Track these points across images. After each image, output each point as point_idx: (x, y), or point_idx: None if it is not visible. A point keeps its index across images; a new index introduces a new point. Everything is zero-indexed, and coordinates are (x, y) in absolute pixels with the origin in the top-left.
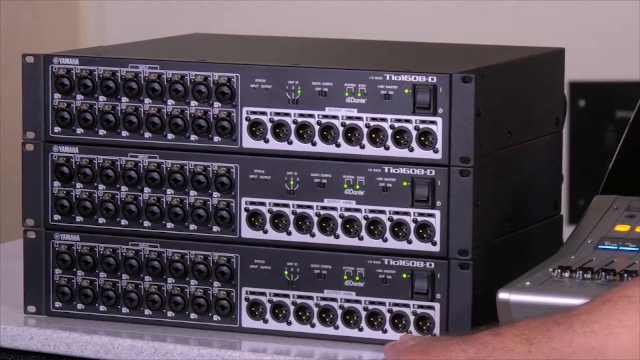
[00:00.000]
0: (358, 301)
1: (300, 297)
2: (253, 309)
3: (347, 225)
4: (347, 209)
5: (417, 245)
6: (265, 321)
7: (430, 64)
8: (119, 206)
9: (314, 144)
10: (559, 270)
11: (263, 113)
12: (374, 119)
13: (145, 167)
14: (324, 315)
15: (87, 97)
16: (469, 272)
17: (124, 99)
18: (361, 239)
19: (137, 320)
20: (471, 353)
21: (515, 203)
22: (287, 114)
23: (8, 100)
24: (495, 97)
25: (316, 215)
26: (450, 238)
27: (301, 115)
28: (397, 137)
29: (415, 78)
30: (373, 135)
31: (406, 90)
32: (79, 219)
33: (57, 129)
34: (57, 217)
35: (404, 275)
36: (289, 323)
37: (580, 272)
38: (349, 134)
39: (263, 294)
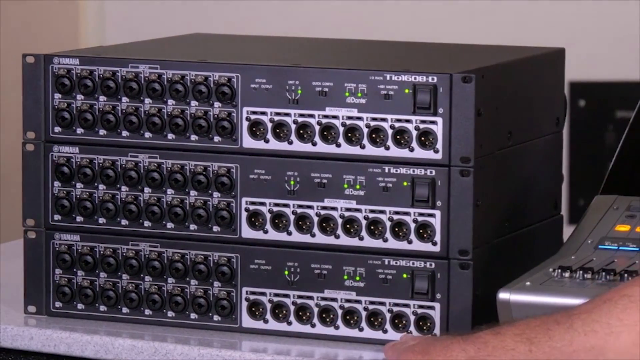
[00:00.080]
0: (358, 301)
1: (300, 297)
2: (253, 309)
3: (348, 225)
4: (348, 209)
5: (418, 245)
6: (266, 321)
7: (431, 64)
8: (119, 206)
9: (314, 144)
10: (559, 270)
11: (263, 113)
12: (374, 119)
13: (146, 167)
14: (324, 315)
15: (87, 97)
16: (469, 272)
17: (124, 99)
18: (361, 239)
19: (137, 320)
20: (472, 352)
21: (515, 203)
22: (287, 114)
23: (8, 100)
24: (496, 97)
25: (316, 215)
26: (451, 238)
27: (301, 115)
28: (398, 137)
29: (415, 78)
30: (373, 135)
31: (406, 90)
32: (79, 219)
33: (57, 129)
34: (57, 217)
35: (404, 275)
36: (290, 323)
37: (581, 272)
38: (350, 134)
39: (263, 294)
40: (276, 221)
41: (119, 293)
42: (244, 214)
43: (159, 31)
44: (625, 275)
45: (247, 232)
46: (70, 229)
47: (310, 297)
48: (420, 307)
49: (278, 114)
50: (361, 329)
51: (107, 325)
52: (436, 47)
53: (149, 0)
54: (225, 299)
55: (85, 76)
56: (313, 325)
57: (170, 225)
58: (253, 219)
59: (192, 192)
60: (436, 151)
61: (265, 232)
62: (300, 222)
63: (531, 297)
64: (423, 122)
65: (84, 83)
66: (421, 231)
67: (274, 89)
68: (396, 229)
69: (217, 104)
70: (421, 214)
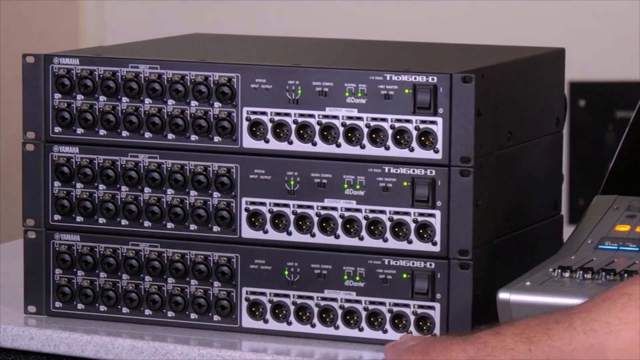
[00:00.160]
0: (358, 301)
1: (300, 297)
2: (253, 309)
3: (348, 225)
4: (348, 209)
5: (418, 245)
6: (266, 321)
7: (431, 64)
8: (119, 206)
9: (314, 144)
10: (559, 270)
11: (263, 113)
12: (374, 119)
13: (146, 167)
14: (324, 315)
15: (87, 97)
16: (469, 272)
17: (125, 99)
18: (361, 239)
19: (137, 320)
20: (471, 353)
21: (515, 203)
22: (287, 114)
23: (8, 100)
24: (496, 97)
25: (316, 215)
26: (451, 238)
27: (301, 115)
28: (398, 137)
29: (415, 78)
30: (373, 135)
31: (406, 90)
32: (79, 219)
33: (57, 129)
34: (57, 217)
35: (404, 275)
36: (289, 323)
37: (581, 272)
38: (350, 134)
39: (263, 294)
40: (276, 221)
41: (119, 293)
42: (244, 214)
43: (159, 31)
44: (625, 275)
45: (247, 232)
46: (70, 229)
47: (310, 297)
48: (420, 307)
49: (278, 114)
50: (361, 329)
51: (107, 325)
52: (436, 47)
53: (149, 0)
54: (225, 299)
55: (85, 76)
56: (313, 325)
57: (170, 225)
58: (253, 219)
59: (192, 192)
60: (436, 151)
61: (265, 232)
62: (300, 222)
63: (531, 297)
64: (423, 122)
65: (84, 83)
66: (421, 231)
67: (274, 89)
68: (396, 229)
69: (217, 104)
70: (421, 214)
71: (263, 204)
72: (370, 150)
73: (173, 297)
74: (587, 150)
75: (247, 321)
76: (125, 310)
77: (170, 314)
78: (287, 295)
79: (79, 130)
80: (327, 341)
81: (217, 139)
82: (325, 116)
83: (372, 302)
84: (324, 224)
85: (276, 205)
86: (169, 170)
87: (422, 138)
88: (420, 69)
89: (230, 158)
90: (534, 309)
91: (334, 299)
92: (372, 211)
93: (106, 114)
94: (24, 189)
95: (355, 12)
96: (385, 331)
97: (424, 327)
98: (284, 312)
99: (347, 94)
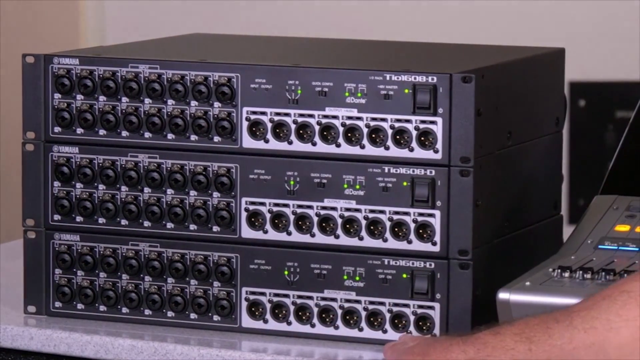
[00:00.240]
0: (358, 301)
1: (300, 297)
2: (253, 309)
3: (347, 225)
4: (347, 209)
5: (417, 245)
6: (265, 321)
7: (430, 64)
8: (119, 206)
9: (314, 144)
10: (559, 270)
11: (263, 113)
12: (374, 119)
13: (146, 167)
14: (324, 315)
15: (87, 97)
16: (469, 272)
17: (124, 99)
18: (361, 239)
19: (137, 320)
20: (471, 353)
21: (515, 203)
22: (287, 114)
23: (8, 100)
24: (495, 97)
25: (316, 215)
26: (450, 238)
27: (301, 115)
28: (397, 137)
29: (415, 78)
30: (373, 135)
31: (406, 90)
32: (79, 219)
33: (57, 129)
34: (57, 217)
35: (404, 275)
36: (289, 323)
37: (580, 272)
38: (349, 134)
39: (263, 294)
40: (276, 221)
41: (119, 293)
42: (244, 214)
43: (159, 31)
44: (625, 275)
45: (246, 232)
46: (70, 229)
47: (310, 297)
48: (420, 307)
49: (278, 114)
50: (361, 329)
51: (107, 325)
52: (436, 47)
53: (149, 0)
54: (225, 299)
55: (85, 76)
56: (313, 325)
57: (170, 225)
58: (253, 219)
59: (192, 192)
60: (436, 151)
61: (265, 232)
62: (300, 222)
63: (531, 297)
64: (423, 122)
65: (84, 83)
66: (421, 231)
67: (274, 89)
68: (396, 229)
69: (217, 104)
70: (421, 214)
71: (263, 204)
72: (370, 150)
73: (173, 297)
74: (587, 150)
75: (246, 321)
76: (125, 310)
77: (170, 314)
78: (286, 295)
79: (79, 130)
80: (327, 341)
81: (217, 139)
82: (325, 116)
83: (371, 302)
84: (324, 224)
85: (276, 205)
86: (168, 170)
87: (422, 138)
88: (420, 69)
89: (230, 158)
90: (533, 309)
91: (334, 299)
92: (372, 211)
93: (106, 114)
94: (23, 189)
95: (355, 12)
96: (385, 331)
97: (424, 327)
98: (284, 312)
99: (346, 94)
